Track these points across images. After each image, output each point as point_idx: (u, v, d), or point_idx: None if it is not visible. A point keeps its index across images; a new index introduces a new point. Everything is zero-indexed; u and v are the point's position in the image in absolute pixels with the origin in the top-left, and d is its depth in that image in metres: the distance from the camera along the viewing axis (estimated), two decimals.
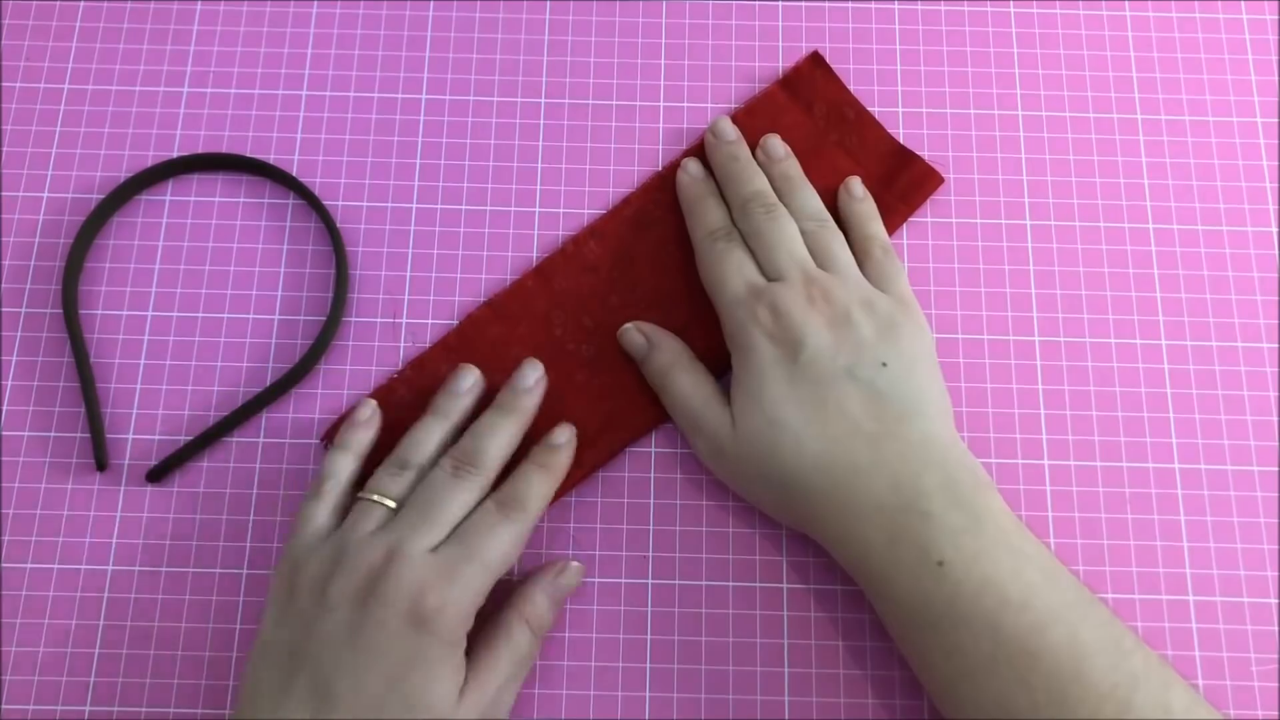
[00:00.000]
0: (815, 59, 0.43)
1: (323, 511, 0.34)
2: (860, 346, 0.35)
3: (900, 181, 0.41)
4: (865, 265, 0.39)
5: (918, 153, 0.42)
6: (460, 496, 0.34)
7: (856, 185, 0.41)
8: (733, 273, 0.37)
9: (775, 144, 0.41)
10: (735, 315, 0.36)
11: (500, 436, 0.35)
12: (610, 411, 0.39)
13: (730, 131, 0.41)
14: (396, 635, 0.30)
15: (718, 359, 0.40)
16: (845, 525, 0.33)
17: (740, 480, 0.36)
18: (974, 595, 0.31)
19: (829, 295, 0.36)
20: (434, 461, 0.35)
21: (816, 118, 0.43)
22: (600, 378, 0.39)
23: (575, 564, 0.37)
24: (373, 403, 0.37)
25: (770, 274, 0.37)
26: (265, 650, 0.32)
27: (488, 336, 0.40)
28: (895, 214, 0.41)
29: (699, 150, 0.42)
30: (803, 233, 0.39)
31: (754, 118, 0.43)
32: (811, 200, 0.40)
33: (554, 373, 0.39)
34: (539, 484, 0.35)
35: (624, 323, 0.40)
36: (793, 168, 0.41)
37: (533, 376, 0.37)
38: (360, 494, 0.34)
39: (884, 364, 0.35)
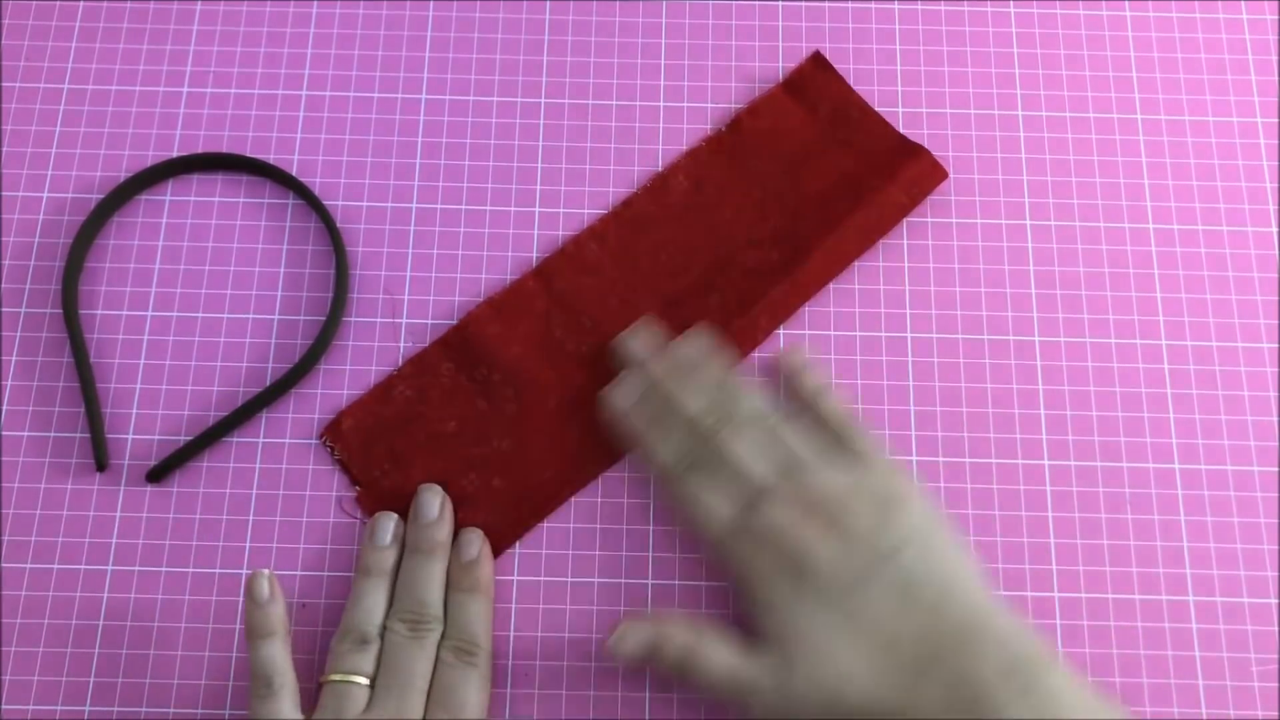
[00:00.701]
0: (817, 59, 0.43)
1: (286, 708, 0.33)
2: (872, 541, 0.33)
3: (905, 175, 0.41)
4: (834, 447, 0.37)
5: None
6: (425, 656, 0.34)
7: (795, 355, 0.39)
8: (711, 510, 0.35)
9: (688, 351, 0.38)
10: (735, 557, 0.35)
11: (434, 580, 0.36)
12: None
13: (642, 353, 0.38)
14: None
15: (726, 341, 0.40)
16: None
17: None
18: None
19: (818, 497, 0.34)
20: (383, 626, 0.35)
21: (820, 118, 0.42)
22: (600, 379, 0.39)
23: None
24: (267, 576, 0.34)
25: (747, 491, 0.35)
26: None
27: (487, 335, 0.40)
28: (900, 209, 0.41)
29: (687, 171, 0.42)
30: (762, 434, 0.36)
31: (758, 119, 0.43)
32: (752, 400, 0.37)
33: (553, 373, 0.39)
34: (476, 611, 0.35)
35: (624, 324, 0.40)
36: (717, 370, 0.37)
37: (434, 507, 0.37)
38: (331, 678, 0.34)
39: (897, 549, 0.33)
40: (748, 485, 0.35)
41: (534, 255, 0.42)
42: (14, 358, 0.40)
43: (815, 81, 0.43)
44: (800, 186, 0.42)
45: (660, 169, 0.42)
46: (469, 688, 0.34)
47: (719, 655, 0.33)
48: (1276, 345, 0.41)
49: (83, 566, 0.38)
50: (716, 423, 0.36)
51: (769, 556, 0.34)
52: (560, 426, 0.39)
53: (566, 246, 0.41)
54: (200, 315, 0.41)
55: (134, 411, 0.39)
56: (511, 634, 0.37)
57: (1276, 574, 0.38)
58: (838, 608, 0.32)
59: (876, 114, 0.43)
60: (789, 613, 0.33)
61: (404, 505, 0.38)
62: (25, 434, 0.39)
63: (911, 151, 0.42)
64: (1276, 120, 0.44)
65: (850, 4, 0.46)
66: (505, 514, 0.38)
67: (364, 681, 0.34)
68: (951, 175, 0.43)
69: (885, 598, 0.32)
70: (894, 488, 0.35)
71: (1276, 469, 0.39)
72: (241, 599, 0.37)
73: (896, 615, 0.32)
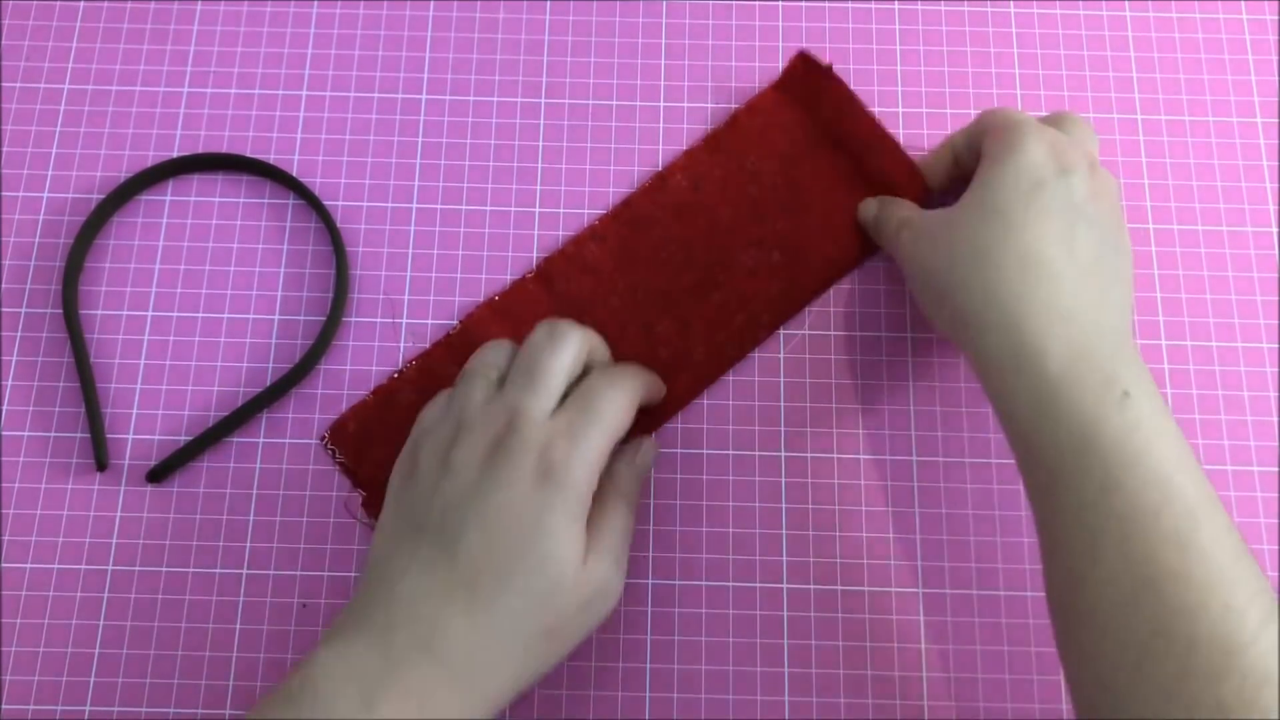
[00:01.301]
0: (805, 59, 0.43)
1: (441, 400, 0.34)
2: (1103, 219, 0.34)
3: (890, 178, 0.41)
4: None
5: (912, 151, 0.42)
6: (561, 356, 0.33)
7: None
8: (1035, 132, 0.35)
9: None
10: (1020, 124, 0.35)
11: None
12: None
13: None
14: (524, 492, 0.30)
15: (720, 360, 0.40)
16: (1027, 324, 0.31)
17: (939, 267, 0.35)
18: (1148, 440, 0.29)
19: (1102, 181, 0.35)
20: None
21: (816, 118, 0.42)
22: None
23: (649, 440, 0.37)
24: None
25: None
26: (386, 529, 0.32)
27: (490, 335, 0.40)
28: None
29: (685, 171, 0.42)
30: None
31: (754, 116, 0.43)
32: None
33: None
34: (640, 377, 0.35)
35: (624, 324, 0.40)
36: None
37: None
38: (465, 370, 0.34)
39: (1116, 247, 0.34)
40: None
41: (534, 255, 0.42)
42: (14, 358, 0.40)
43: (805, 80, 0.43)
44: (799, 187, 0.41)
45: (659, 169, 0.42)
46: (613, 396, 0.33)
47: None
48: (1276, 345, 0.41)
49: (83, 566, 0.38)
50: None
51: (1046, 145, 0.34)
52: None
53: (566, 247, 0.41)
54: (200, 315, 0.41)
55: (134, 411, 0.39)
56: None
57: (1277, 574, 0.38)
58: (1050, 195, 0.33)
59: (870, 118, 0.42)
60: (1019, 179, 0.34)
61: None
62: (25, 434, 0.39)
63: (897, 158, 0.41)
64: (1276, 120, 0.44)
65: (850, 4, 0.46)
66: None
67: (494, 374, 0.34)
68: None
69: (1086, 234, 0.33)
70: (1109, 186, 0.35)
71: (1276, 469, 0.39)
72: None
73: (1081, 246, 0.33)
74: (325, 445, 0.39)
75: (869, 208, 0.40)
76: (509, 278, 0.41)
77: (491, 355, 0.34)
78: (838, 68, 0.44)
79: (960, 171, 0.39)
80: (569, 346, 0.33)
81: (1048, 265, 0.32)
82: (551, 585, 0.30)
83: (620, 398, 0.33)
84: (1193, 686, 0.26)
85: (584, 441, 0.31)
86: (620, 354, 0.40)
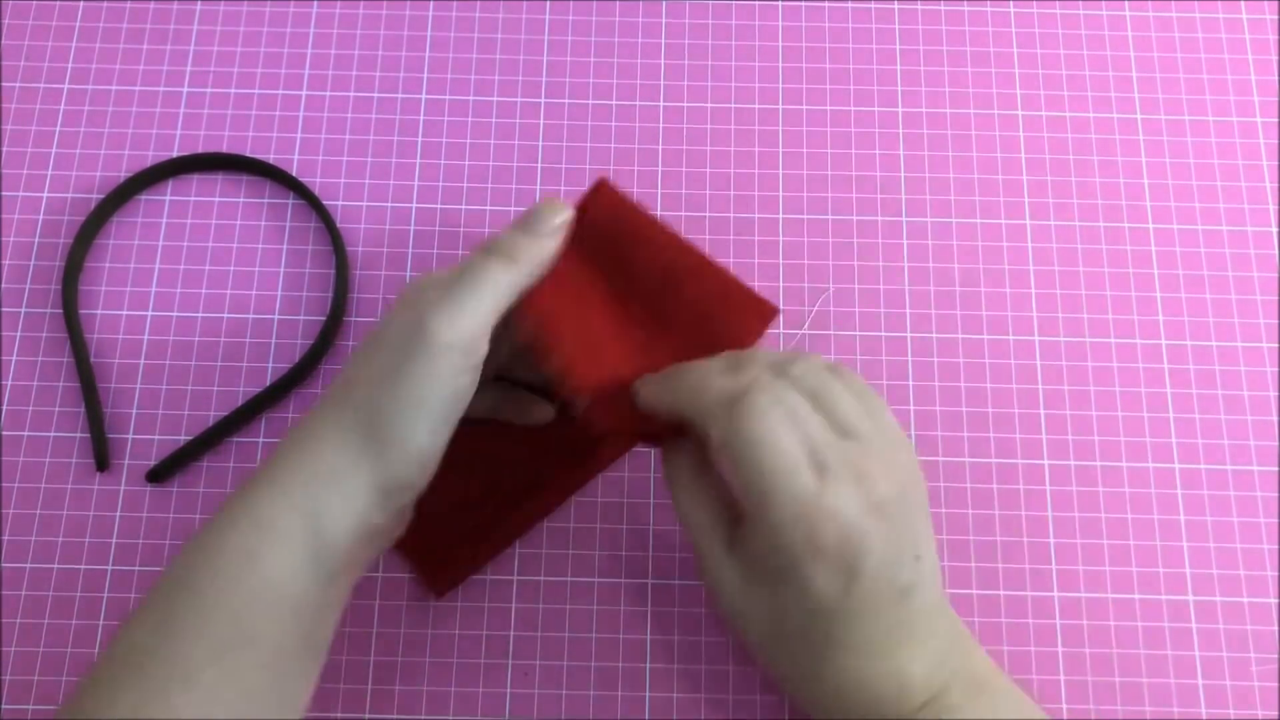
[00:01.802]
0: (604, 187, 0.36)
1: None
2: (905, 541, 0.30)
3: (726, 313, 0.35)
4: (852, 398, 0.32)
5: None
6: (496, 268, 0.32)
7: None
8: (787, 468, 0.29)
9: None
10: (783, 532, 0.29)
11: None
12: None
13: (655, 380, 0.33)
14: (397, 310, 0.31)
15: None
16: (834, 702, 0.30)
17: (749, 648, 0.32)
18: None
19: (874, 477, 0.30)
20: None
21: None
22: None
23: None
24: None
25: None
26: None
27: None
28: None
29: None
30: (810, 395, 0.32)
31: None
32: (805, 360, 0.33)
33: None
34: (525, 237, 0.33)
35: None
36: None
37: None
38: None
39: (916, 557, 0.30)
40: (814, 448, 0.30)
41: None
42: (14, 358, 0.40)
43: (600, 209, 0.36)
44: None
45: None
46: (488, 267, 0.32)
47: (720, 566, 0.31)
48: (1276, 345, 0.41)
49: (83, 566, 0.38)
50: (781, 364, 0.32)
51: (827, 545, 0.29)
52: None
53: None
54: (200, 315, 0.41)
55: (134, 411, 0.39)
56: (511, 634, 0.37)
57: (1276, 574, 0.38)
58: (871, 612, 0.29)
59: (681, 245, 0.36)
60: (822, 611, 0.29)
61: None
62: (25, 434, 0.39)
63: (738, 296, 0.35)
64: (1276, 120, 0.44)
65: (850, 4, 0.46)
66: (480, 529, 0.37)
67: None
68: (952, 175, 0.43)
69: (901, 608, 0.30)
70: (913, 472, 0.31)
71: (1276, 469, 0.39)
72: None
73: (917, 623, 0.30)
74: None
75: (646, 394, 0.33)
76: None
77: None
78: (838, 67, 0.44)
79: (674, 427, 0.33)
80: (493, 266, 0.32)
81: (866, 692, 0.30)
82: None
83: (497, 270, 0.31)
84: None
85: (458, 289, 0.31)
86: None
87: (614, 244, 0.36)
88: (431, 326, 0.30)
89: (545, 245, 0.33)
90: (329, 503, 0.29)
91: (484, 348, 0.31)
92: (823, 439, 0.30)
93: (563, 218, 0.33)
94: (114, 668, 0.28)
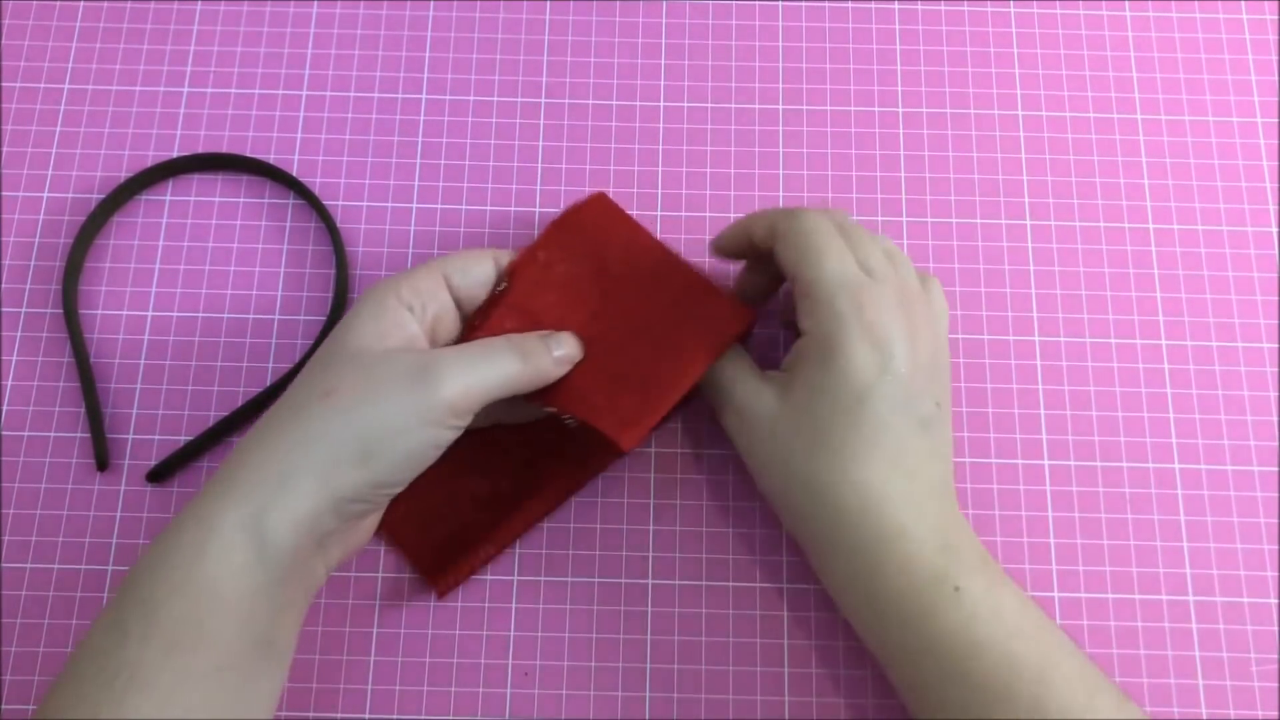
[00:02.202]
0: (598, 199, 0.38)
1: None
2: (929, 378, 0.33)
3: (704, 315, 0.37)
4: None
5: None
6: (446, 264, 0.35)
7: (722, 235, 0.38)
8: (836, 258, 0.33)
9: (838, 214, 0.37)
10: (833, 301, 0.33)
11: None
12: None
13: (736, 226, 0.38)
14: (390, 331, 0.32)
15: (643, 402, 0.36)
16: (860, 547, 0.32)
17: (764, 465, 0.34)
18: (985, 624, 0.31)
19: (913, 306, 0.34)
20: None
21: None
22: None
23: (569, 336, 0.35)
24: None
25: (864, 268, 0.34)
26: None
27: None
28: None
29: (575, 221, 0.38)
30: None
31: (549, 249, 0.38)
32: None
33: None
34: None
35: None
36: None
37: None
38: None
39: (937, 404, 0.33)
40: (870, 261, 0.34)
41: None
42: (14, 358, 0.40)
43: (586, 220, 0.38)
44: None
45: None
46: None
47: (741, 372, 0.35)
48: (1276, 345, 0.41)
49: (83, 566, 0.38)
50: (840, 218, 0.36)
51: (865, 325, 0.32)
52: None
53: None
54: (200, 315, 0.41)
55: (134, 411, 0.39)
56: (511, 634, 0.37)
57: (1276, 574, 0.38)
58: (874, 416, 0.32)
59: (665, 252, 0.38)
60: (841, 382, 0.32)
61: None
62: (25, 434, 0.39)
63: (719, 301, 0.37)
64: (1276, 120, 0.44)
65: (850, 4, 0.46)
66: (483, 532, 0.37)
67: None
68: (951, 175, 0.43)
69: (910, 437, 0.33)
70: (945, 343, 0.35)
71: (1276, 469, 0.39)
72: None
73: (910, 453, 0.33)
74: None
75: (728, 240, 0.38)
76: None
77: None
78: (838, 67, 0.45)
79: (755, 251, 0.37)
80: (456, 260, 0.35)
81: (877, 491, 0.32)
82: (339, 348, 0.31)
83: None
84: None
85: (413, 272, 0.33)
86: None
87: (601, 246, 0.37)
88: (444, 376, 0.31)
89: (549, 367, 0.34)
90: (273, 504, 0.29)
91: (469, 420, 0.32)
92: (873, 257, 0.34)
93: (575, 357, 0.35)
94: (76, 668, 0.28)
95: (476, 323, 0.35)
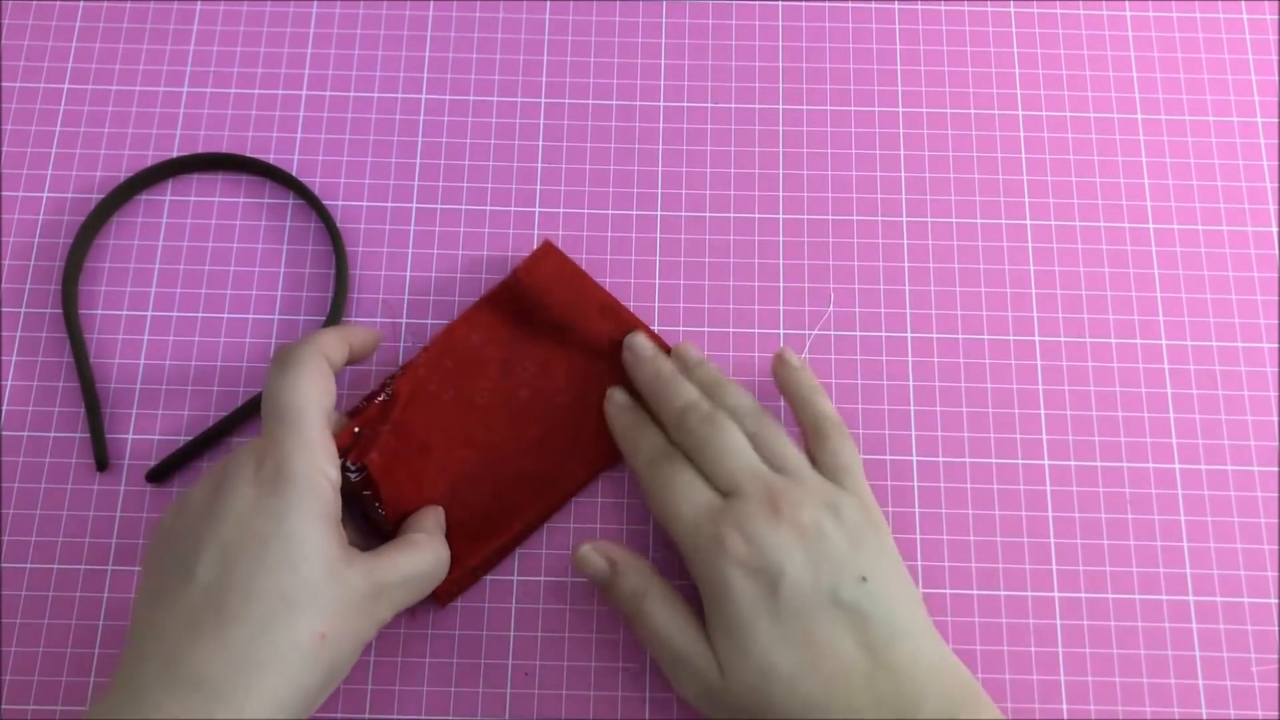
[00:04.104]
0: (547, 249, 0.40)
1: None
2: (839, 564, 0.32)
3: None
4: (819, 451, 0.36)
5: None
6: (287, 379, 0.33)
7: (792, 355, 0.38)
8: (683, 497, 0.34)
9: (689, 349, 0.38)
10: (698, 547, 0.33)
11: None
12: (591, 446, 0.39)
13: (648, 348, 0.38)
14: (251, 501, 0.30)
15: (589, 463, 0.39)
16: None
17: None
18: None
19: (795, 507, 0.33)
20: None
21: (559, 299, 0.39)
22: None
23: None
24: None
25: (723, 487, 0.34)
26: (141, 586, 0.31)
27: (470, 343, 0.39)
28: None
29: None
30: (746, 435, 0.36)
31: (497, 308, 0.40)
32: (743, 398, 0.37)
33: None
34: (328, 331, 0.35)
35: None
36: (714, 370, 0.38)
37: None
38: None
39: (864, 579, 0.32)
40: (726, 478, 0.34)
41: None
42: (14, 358, 0.40)
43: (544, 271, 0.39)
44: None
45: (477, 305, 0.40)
46: (297, 363, 0.33)
47: (669, 616, 0.33)
48: (1276, 345, 0.41)
49: (83, 566, 0.38)
50: (706, 415, 0.36)
51: (739, 557, 0.32)
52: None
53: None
54: (200, 315, 0.41)
55: (134, 411, 0.39)
56: (511, 634, 0.37)
57: (1276, 574, 0.38)
58: (797, 629, 0.31)
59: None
60: (746, 621, 0.31)
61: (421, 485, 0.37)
62: (25, 434, 0.39)
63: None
64: (1276, 120, 0.44)
65: (850, 4, 0.46)
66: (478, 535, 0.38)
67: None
68: (951, 175, 0.43)
69: (841, 627, 0.31)
70: (868, 517, 0.34)
71: (1276, 469, 0.39)
72: None
73: (849, 648, 0.31)
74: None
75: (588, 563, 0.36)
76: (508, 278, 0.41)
77: None
78: (838, 67, 0.45)
79: None
80: (300, 368, 0.33)
81: (836, 706, 0.30)
82: (305, 585, 0.29)
83: (309, 362, 0.33)
84: None
85: (294, 432, 0.31)
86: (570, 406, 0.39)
87: (559, 303, 0.39)
88: (391, 598, 0.32)
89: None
90: (234, 712, 0.28)
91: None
92: (726, 458, 0.35)
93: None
94: None
95: (358, 426, 0.36)
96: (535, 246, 0.41)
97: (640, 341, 0.38)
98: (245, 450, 0.31)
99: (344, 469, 0.35)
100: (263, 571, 0.29)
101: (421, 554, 0.33)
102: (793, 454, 0.35)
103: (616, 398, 0.38)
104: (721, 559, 0.32)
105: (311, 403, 0.32)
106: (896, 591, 0.32)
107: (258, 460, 0.31)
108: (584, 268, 0.42)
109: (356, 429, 0.36)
